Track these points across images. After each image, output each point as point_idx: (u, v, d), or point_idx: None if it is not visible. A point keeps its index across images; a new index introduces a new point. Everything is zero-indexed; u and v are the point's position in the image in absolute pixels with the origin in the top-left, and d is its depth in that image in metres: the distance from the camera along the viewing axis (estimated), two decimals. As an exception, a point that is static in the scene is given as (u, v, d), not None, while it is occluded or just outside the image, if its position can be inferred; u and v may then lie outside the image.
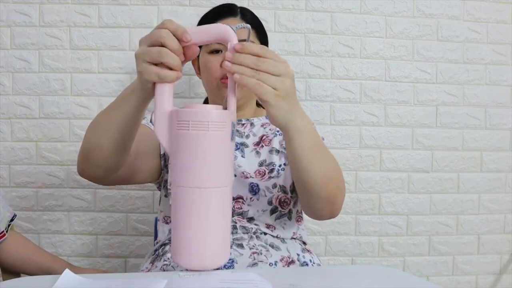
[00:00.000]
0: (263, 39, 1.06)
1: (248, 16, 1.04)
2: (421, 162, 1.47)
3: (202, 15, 1.05)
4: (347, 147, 1.44)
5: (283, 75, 0.63)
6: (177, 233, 0.59)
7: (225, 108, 0.63)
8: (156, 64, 0.61)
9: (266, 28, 1.07)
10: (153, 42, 0.61)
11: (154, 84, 0.62)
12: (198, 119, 0.57)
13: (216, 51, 0.98)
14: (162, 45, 0.60)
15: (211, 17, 1.03)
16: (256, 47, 0.63)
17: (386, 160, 1.45)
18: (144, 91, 0.65)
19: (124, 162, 0.82)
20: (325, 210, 0.83)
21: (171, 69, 0.61)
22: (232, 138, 0.60)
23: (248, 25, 0.64)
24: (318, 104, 1.42)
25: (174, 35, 0.60)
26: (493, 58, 1.47)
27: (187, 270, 0.61)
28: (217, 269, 0.84)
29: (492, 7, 1.46)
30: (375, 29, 1.43)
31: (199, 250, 0.58)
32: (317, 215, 0.89)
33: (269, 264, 0.84)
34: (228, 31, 0.61)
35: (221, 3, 1.09)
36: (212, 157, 0.58)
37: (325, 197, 0.79)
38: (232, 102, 0.63)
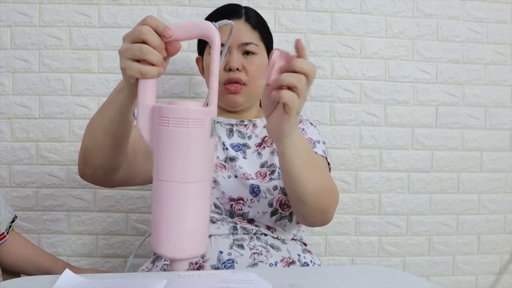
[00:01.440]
0: (268, 40, 1.05)
1: (253, 17, 1.02)
2: (421, 162, 1.47)
3: (205, 16, 1.04)
4: (347, 147, 1.44)
5: (305, 92, 0.64)
6: (158, 224, 0.61)
7: (206, 104, 0.63)
8: (138, 61, 0.62)
9: (266, 28, 1.07)
10: (135, 38, 0.61)
11: (137, 80, 0.63)
12: (178, 116, 0.58)
13: (220, 54, 0.98)
14: (144, 42, 0.61)
15: (215, 18, 1.01)
16: (308, 66, 0.62)
17: (386, 160, 1.45)
18: (130, 88, 0.66)
19: (123, 162, 0.82)
20: (317, 218, 0.84)
21: (153, 65, 0.62)
22: (212, 135, 0.61)
23: (231, 21, 0.64)
24: (318, 104, 1.42)
25: (155, 31, 0.61)
26: (493, 58, 1.47)
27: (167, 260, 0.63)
28: (217, 269, 0.84)
29: (492, 7, 1.46)
30: (375, 29, 1.43)
31: (178, 240, 0.60)
32: (309, 223, 0.90)
33: (269, 265, 0.85)
34: (211, 28, 0.62)
35: (222, 3, 1.08)
36: (191, 153, 0.59)
37: (318, 208, 0.80)
38: (213, 99, 0.63)
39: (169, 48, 0.64)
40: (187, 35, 0.63)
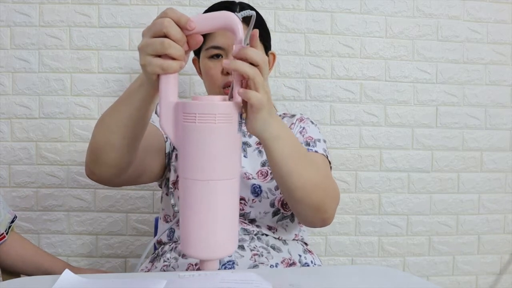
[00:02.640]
0: (266, 38, 1.03)
1: (247, 16, 1.02)
2: (421, 162, 1.47)
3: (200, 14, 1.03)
4: (347, 147, 1.44)
5: (266, 84, 0.63)
6: (186, 224, 0.59)
7: (231, 97, 0.62)
8: (159, 56, 0.59)
9: (266, 28, 1.07)
10: (156, 32, 0.59)
11: (158, 76, 0.61)
12: (205, 112, 0.56)
13: (216, 56, 0.96)
14: (165, 35, 0.58)
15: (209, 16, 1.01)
16: (258, 56, 0.61)
17: (386, 160, 1.45)
18: (151, 84, 0.64)
19: (135, 160, 0.80)
20: (315, 217, 0.81)
21: (174, 59, 0.59)
22: (239, 130, 0.59)
23: (253, 12, 0.62)
24: (318, 104, 1.42)
25: (177, 24, 0.59)
26: (493, 58, 1.47)
27: (193, 265, 0.62)
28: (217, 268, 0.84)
29: (492, 7, 1.46)
30: (375, 29, 1.43)
31: (208, 240, 0.59)
32: (308, 222, 0.87)
33: (270, 266, 0.84)
34: (234, 18, 0.59)
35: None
36: (219, 150, 0.57)
37: (311, 205, 0.77)
38: (236, 91, 0.61)
39: (190, 41, 0.61)
40: (210, 27, 0.61)
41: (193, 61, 1.08)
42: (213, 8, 1.01)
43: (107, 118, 0.74)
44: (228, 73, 0.95)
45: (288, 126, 0.98)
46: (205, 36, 0.97)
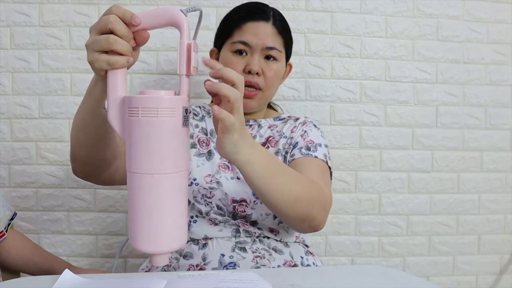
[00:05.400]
0: (289, 48, 1.04)
1: (280, 22, 1.00)
2: (421, 162, 1.47)
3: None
4: (347, 147, 1.44)
5: (241, 106, 0.63)
6: (133, 218, 0.59)
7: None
8: (106, 52, 0.60)
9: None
10: (101, 29, 0.60)
11: (106, 71, 0.61)
12: (147, 106, 0.56)
13: (240, 52, 0.96)
14: (111, 32, 0.59)
15: (240, 15, 0.99)
16: (235, 75, 0.61)
17: (386, 160, 1.45)
18: (103, 81, 0.64)
19: (114, 159, 0.80)
20: (303, 226, 0.82)
21: (121, 55, 0.60)
22: (185, 124, 0.59)
23: (200, 7, 0.62)
24: (318, 104, 1.42)
25: (122, 20, 0.59)
26: (493, 58, 1.47)
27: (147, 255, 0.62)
28: (217, 268, 0.84)
29: (492, 7, 1.46)
30: (375, 29, 1.43)
31: (156, 235, 0.59)
32: (297, 230, 0.88)
33: (272, 268, 0.84)
34: (179, 15, 0.60)
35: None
36: (162, 144, 0.57)
37: (295, 216, 0.77)
38: (184, 86, 0.61)
39: (137, 37, 0.62)
40: (155, 23, 0.61)
41: (211, 52, 1.07)
42: (245, 8, 1.01)
43: (75, 117, 0.76)
44: (250, 72, 0.95)
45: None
46: (234, 29, 0.98)
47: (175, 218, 0.59)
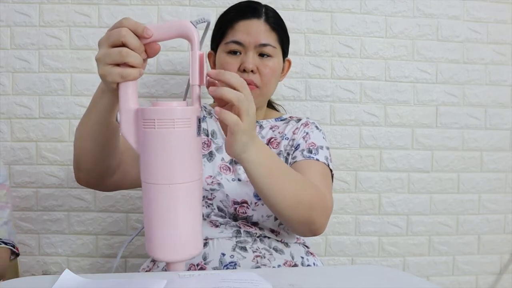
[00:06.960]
0: (285, 43, 1.03)
1: (273, 18, 0.99)
2: (421, 162, 1.47)
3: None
4: (347, 147, 1.44)
5: (251, 108, 0.64)
6: (150, 228, 0.60)
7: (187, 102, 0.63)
8: (118, 64, 0.60)
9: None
10: (114, 42, 0.60)
11: (118, 84, 0.62)
12: (163, 117, 0.57)
13: (234, 52, 0.96)
14: (123, 45, 0.59)
15: (232, 15, 0.99)
16: (236, 79, 0.62)
17: (386, 160, 1.45)
18: (112, 92, 0.65)
19: (117, 166, 0.81)
20: (303, 229, 0.83)
21: (133, 67, 0.60)
22: (199, 133, 0.60)
23: (209, 19, 0.63)
24: (318, 104, 1.42)
25: (134, 33, 0.60)
26: (493, 58, 1.47)
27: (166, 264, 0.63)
28: (217, 268, 0.84)
29: (492, 7, 1.46)
30: (375, 29, 1.43)
31: (172, 243, 0.60)
32: (298, 233, 0.89)
33: (272, 268, 0.84)
34: (190, 27, 0.61)
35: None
36: (179, 154, 0.58)
37: (297, 220, 0.79)
38: (196, 96, 0.62)
39: (148, 50, 0.63)
40: (166, 35, 0.62)
41: (208, 55, 1.07)
42: (237, 8, 1.01)
43: (79, 126, 0.76)
44: (245, 71, 0.95)
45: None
46: (227, 29, 0.98)
47: (191, 226, 0.60)
